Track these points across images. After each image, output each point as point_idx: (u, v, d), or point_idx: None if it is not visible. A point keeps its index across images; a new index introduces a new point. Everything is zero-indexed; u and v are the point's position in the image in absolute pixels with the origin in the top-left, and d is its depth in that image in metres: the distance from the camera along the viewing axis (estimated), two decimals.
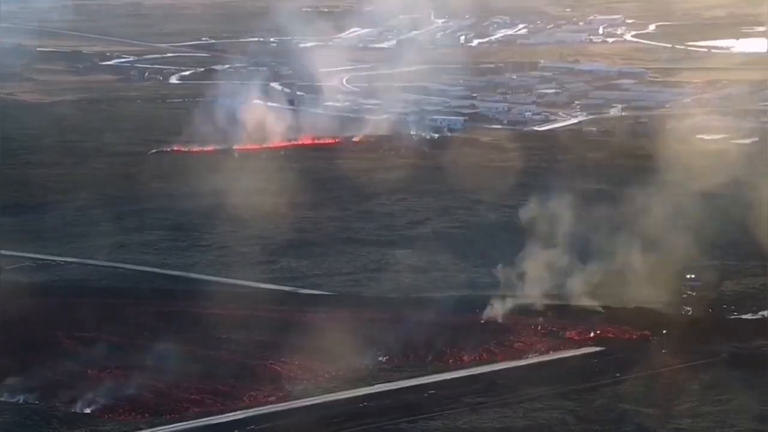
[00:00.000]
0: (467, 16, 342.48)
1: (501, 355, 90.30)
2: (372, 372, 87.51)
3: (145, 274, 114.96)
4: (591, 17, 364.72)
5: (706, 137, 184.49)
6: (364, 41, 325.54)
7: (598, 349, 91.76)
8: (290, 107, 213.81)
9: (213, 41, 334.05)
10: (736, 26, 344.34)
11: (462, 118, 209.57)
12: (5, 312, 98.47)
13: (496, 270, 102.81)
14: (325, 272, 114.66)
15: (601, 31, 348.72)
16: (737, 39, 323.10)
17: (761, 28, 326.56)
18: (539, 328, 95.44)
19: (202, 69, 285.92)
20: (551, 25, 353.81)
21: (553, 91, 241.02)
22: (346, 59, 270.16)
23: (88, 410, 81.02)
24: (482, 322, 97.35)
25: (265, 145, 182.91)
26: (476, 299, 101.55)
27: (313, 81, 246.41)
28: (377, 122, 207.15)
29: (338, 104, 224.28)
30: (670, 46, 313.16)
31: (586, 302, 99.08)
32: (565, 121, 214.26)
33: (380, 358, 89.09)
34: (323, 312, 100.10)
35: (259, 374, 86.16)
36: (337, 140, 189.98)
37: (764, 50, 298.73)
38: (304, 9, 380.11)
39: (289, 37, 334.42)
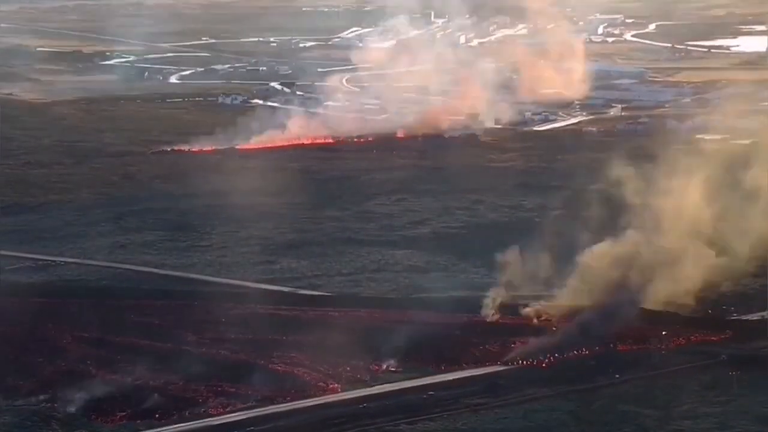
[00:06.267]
0: (467, 16, 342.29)
1: (503, 355, 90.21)
2: (372, 372, 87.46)
3: (145, 275, 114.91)
4: (591, 17, 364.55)
5: (706, 137, 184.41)
6: (364, 41, 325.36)
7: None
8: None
9: (213, 41, 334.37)
10: (736, 26, 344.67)
11: (461, 118, 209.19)
12: (4, 312, 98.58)
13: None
14: (324, 272, 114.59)
15: (601, 30, 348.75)
16: (737, 39, 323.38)
17: (761, 28, 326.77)
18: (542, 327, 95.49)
19: (202, 69, 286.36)
20: (551, 25, 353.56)
21: (553, 91, 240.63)
22: (346, 59, 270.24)
23: (87, 411, 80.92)
24: (487, 321, 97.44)
25: (265, 145, 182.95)
26: (477, 299, 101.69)
27: (312, 81, 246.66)
28: (377, 122, 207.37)
29: (338, 104, 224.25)
30: (670, 46, 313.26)
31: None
32: (565, 121, 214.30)
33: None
34: (323, 312, 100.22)
35: (260, 374, 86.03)
36: (336, 140, 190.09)
37: (764, 50, 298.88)
38: (304, 9, 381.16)
39: (289, 37, 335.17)
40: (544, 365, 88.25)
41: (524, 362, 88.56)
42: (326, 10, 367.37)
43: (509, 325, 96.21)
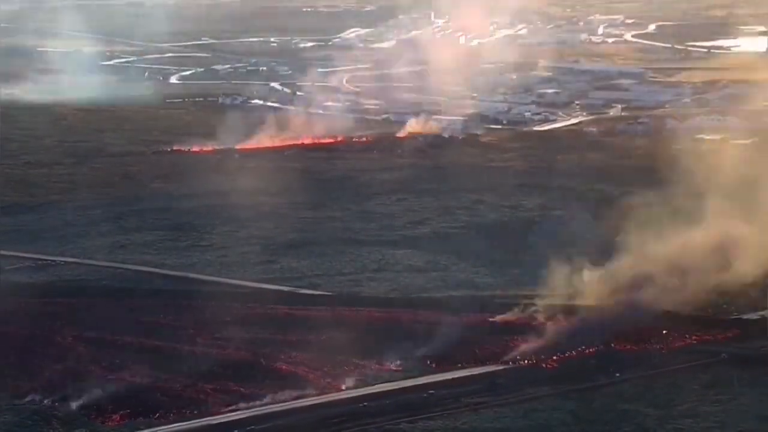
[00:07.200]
0: (467, 17, 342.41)
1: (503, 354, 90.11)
2: (375, 371, 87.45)
3: (145, 275, 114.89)
4: (591, 17, 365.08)
5: (706, 137, 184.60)
6: (364, 41, 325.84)
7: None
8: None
9: (213, 41, 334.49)
10: (736, 26, 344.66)
11: (462, 118, 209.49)
12: (5, 312, 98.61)
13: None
14: (325, 272, 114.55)
15: (601, 31, 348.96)
16: (737, 39, 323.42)
17: (761, 28, 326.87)
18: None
19: (203, 69, 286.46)
20: (551, 25, 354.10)
21: (553, 91, 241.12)
22: (346, 59, 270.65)
23: (87, 410, 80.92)
24: (491, 321, 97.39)
25: (265, 145, 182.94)
26: (478, 299, 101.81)
27: (312, 81, 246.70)
28: (377, 122, 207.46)
29: (338, 104, 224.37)
30: (670, 46, 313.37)
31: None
32: (565, 121, 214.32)
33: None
34: (323, 311, 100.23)
35: (260, 373, 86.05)
36: (337, 140, 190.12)
37: (764, 50, 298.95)
38: (304, 9, 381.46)
39: (289, 37, 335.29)
40: (548, 365, 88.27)
41: (527, 361, 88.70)
42: (326, 10, 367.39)
43: (511, 324, 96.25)
